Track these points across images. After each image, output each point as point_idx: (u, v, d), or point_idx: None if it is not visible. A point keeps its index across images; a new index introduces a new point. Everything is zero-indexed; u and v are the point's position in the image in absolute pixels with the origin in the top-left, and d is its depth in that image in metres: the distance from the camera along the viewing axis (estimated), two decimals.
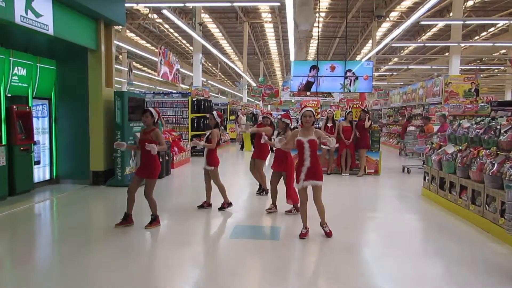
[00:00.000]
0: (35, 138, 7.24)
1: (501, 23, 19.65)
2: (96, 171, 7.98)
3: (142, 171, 5.08)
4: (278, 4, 12.59)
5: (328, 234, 4.78)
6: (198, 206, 6.15)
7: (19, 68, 6.80)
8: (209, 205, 6.19)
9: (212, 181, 6.07)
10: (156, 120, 5.13)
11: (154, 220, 5.16)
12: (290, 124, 6.05)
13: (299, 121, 5.85)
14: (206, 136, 6.03)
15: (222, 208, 6.09)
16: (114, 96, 7.93)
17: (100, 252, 4.33)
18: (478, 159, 5.40)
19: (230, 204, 6.16)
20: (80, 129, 7.92)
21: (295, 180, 4.88)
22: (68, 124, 8.03)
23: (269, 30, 27.10)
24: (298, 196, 4.97)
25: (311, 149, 4.64)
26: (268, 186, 6.50)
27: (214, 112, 6.05)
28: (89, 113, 7.92)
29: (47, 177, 7.88)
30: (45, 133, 7.83)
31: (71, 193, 7.33)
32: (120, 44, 15.83)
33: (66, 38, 6.89)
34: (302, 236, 4.77)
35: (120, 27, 19.57)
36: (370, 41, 23.94)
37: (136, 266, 3.91)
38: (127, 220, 5.13)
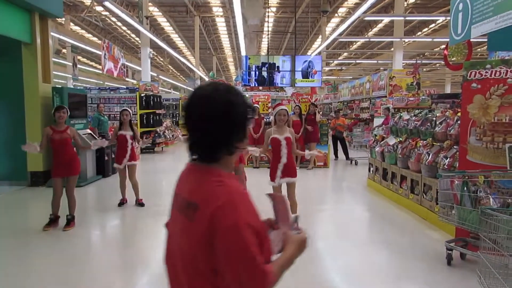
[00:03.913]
0: None
1: (440, 19, 20.79)
2: (35, 171, 7.49)
3: (66, 169, 4.87)
4: None
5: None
6: (118, 205, 6.09)
7: None
8: (126, 201, 6.21)
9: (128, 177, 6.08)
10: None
11: (72, 220, 4.97)
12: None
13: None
14: (134, 134, 6.08)
15: (141, 204, 6.09)
16: (52, 92, 7.47)
17: (36, 256, 4.06)
18: (416, 150, 5.66)
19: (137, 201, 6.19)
20: (16, 127, 7.39)
21: (270, 178, 4.73)
22: (2, 122, 7.48)
23: (221, 25, 26.81)
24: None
25: (288, 147, 4.62)
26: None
27: (128, 109, 6.24)
28: (25, 110, 7.39)
29: None
30: None
31: (6, 194, 6.90)
32: (63, 37, 14.95)
33: None
34: None
35: (63, 19, 18.50)
36: (320, 36, 24.42)
37: (76, 270, 3.70)
38: (55, 222, 4.95)
